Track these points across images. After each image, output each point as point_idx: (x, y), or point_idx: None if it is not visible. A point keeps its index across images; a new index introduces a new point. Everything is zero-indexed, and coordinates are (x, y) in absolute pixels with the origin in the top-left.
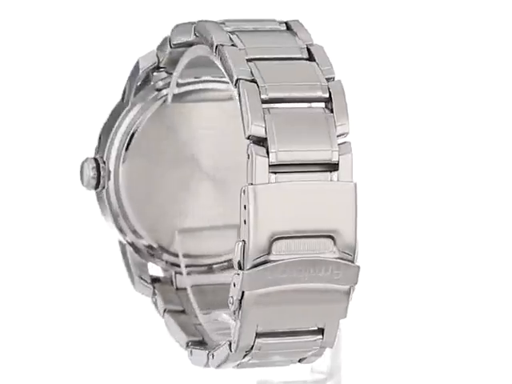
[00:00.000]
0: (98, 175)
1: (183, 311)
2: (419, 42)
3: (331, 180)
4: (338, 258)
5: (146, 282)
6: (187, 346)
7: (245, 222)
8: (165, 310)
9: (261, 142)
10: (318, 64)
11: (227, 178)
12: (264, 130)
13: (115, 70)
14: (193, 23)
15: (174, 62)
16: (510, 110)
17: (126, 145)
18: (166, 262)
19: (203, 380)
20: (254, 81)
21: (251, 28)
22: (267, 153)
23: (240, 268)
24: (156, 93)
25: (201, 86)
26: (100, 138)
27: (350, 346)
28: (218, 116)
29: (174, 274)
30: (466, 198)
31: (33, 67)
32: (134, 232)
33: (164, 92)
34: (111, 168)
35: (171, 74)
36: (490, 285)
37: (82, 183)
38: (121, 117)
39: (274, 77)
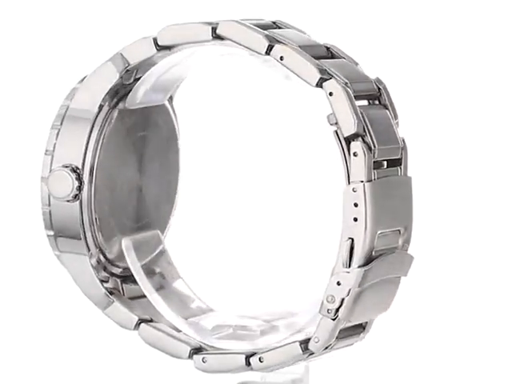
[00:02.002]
0: (79, 185)
1: (151, 320)
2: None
3: (399, 175)
4: (404, 250)
5: (108, 294)
6: (191, 355)
7: (355, 219)
8: (139, 321)
9: (356, 139)
10: (350, 62)
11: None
12: (363, 128)
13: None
14: (209, 23)
15: (149, 64)
16: None
17: (98, 154)
18: (105, 268)
19: (185, 381)
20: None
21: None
22: (369, 150)
23: (347, 266)
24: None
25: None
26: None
27: None
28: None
29: (120, 284)
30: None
31: None
32: (97, 243)
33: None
34: (85, 178)
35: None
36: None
37: (59, 194)
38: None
39: (344, 74)
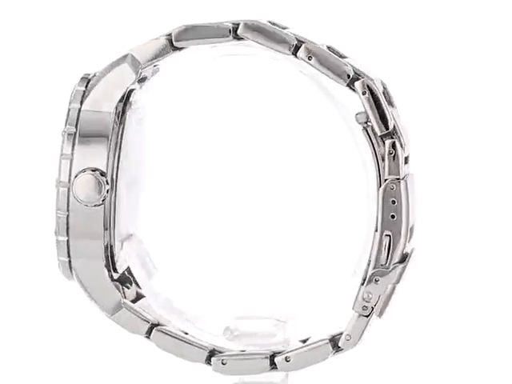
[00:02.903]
0: (108, 189)
1: (159, 324)
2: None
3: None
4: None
5: (122, 298)
6: (208, 358)
7: (392, 216)
8: (151, 327)
9: (387, 137)
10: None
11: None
12: (393, 126)
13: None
14: (226, 23)
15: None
16: None
17: (118, 156)
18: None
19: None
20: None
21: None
22: (401, 147)
23: (385, 263)
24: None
25: None
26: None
27: None
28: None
29: (121, 287)
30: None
31: None
32: (109, 247)
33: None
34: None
35: None
36: None
37: (89, 198)
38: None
39: (363, 71)
